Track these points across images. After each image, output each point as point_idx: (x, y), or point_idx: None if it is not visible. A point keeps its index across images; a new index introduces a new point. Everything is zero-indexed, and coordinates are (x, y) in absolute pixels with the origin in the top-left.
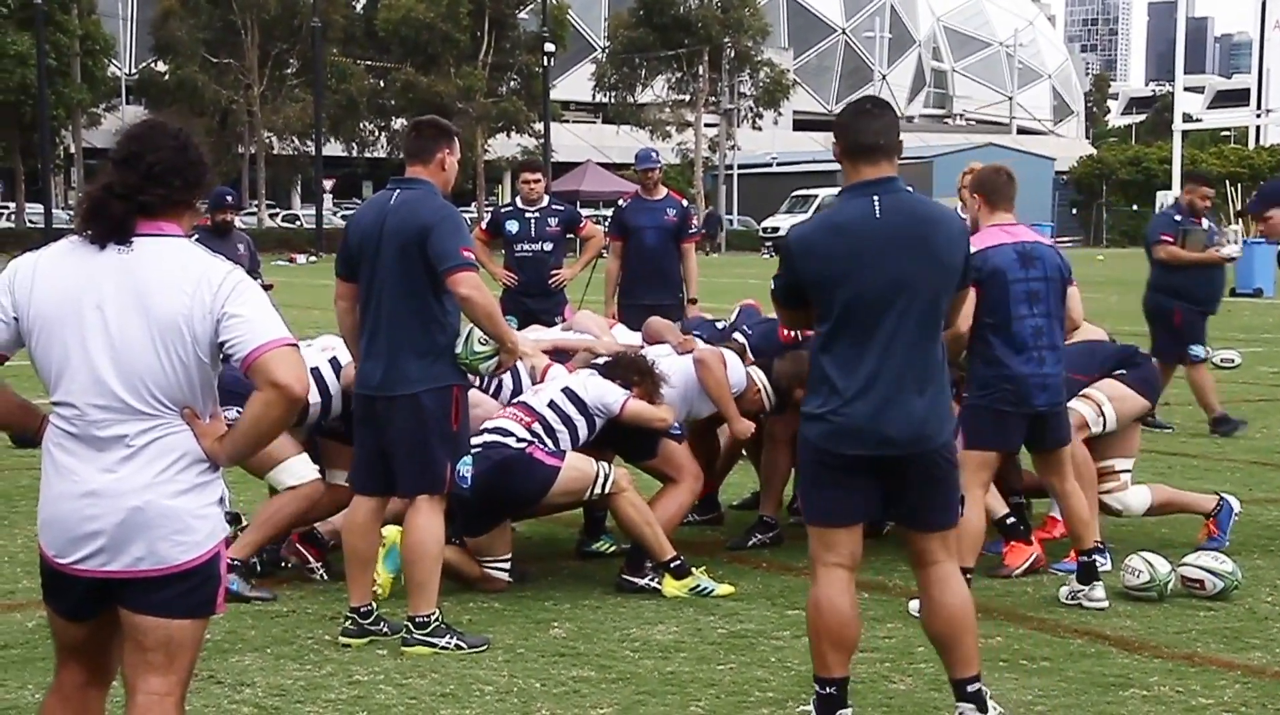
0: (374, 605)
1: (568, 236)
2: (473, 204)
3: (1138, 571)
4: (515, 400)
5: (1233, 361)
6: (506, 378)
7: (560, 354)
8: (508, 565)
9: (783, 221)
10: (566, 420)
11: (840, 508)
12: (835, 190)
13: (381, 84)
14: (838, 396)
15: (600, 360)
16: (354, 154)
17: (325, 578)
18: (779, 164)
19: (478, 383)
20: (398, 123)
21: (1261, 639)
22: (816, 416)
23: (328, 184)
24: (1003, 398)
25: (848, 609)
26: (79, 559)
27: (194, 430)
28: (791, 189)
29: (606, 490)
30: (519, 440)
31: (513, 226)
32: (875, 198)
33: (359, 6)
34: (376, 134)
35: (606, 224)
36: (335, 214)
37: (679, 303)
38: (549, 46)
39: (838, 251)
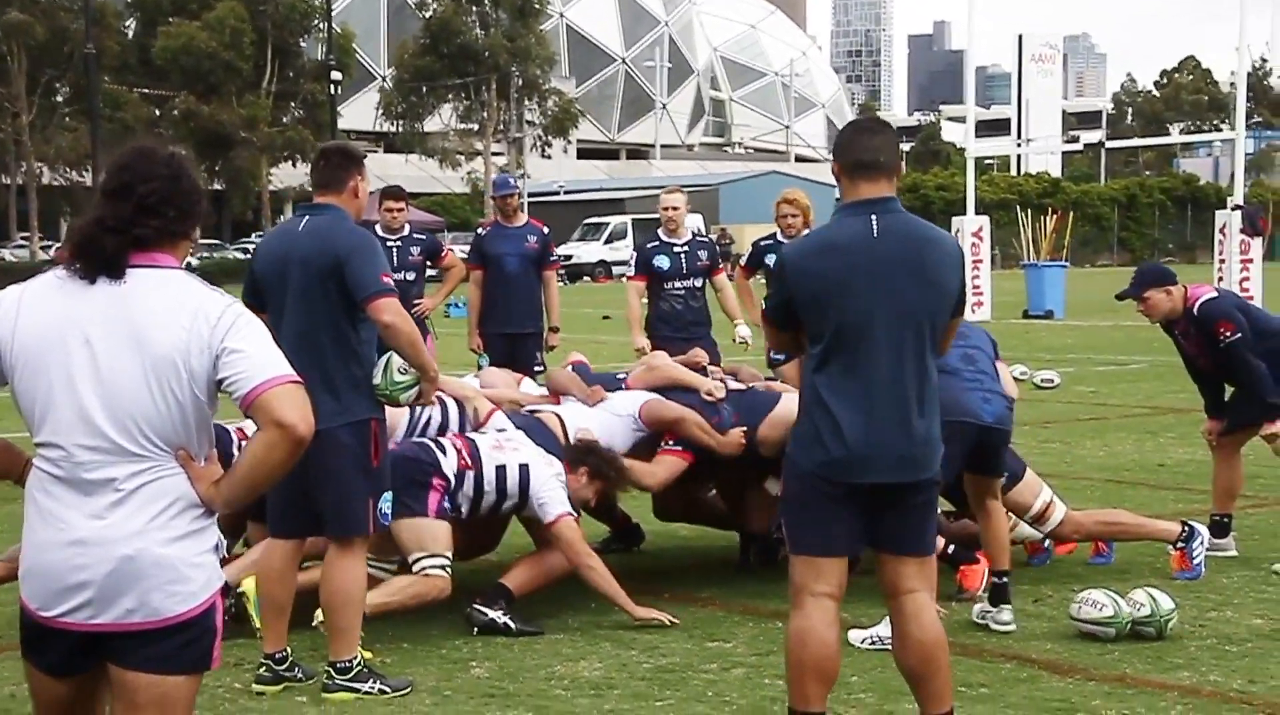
0: (288, 651)
1: (427, 265)
2: (254, 234)
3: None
4: (473, 433)
5: (1053, 381)
6: (435, 412)
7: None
8: (393, 567)
9: (575, 249)
10: (497, 489)
11: (833, 537)
12: (627, 218)
13: (158, 113)
14: (833, 422)
15: (574, 428)
16: None
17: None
18: (566, 192)
19: (406, 417)
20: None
21: (1184, 658)
22: (811, 442)
23: None
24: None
25: (833, 641)
26: (64, 611)
27: (188, 473)
28: (581, 217)
29: (418, 568)
30: (430, 466)
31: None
32: (873, 217)
33: (131, 34)
34: None
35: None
36: None
37: (541, 330)
38: (336, 75)
39: (832, 270)
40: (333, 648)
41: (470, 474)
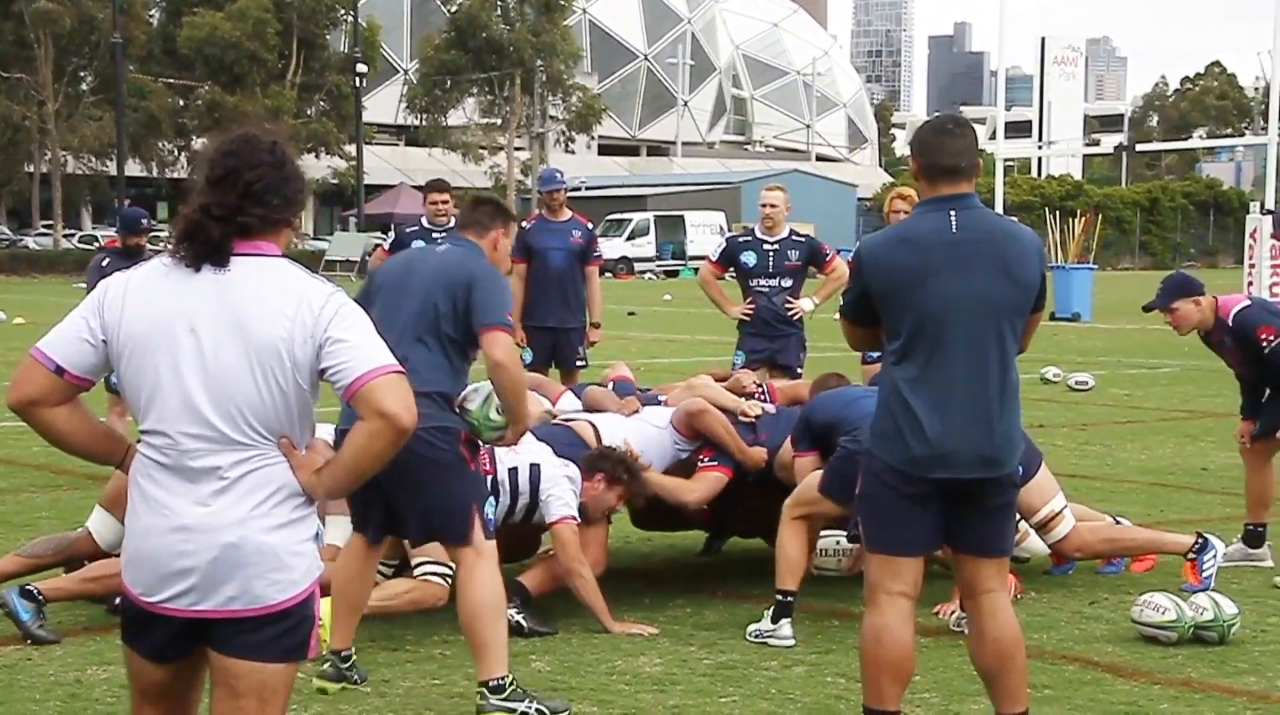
0: (353, 650)
1: None
2: None
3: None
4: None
5: (1087, 384)
6: None
7: None
8: (389, 571)
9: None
10: (511, 491)
11: (910, 535)
12: (649, 215)
13: (183, 103)
14: (913, 419)
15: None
16: (153, 174)
17: None
18: (588, 188)
19: None
20: (199, 143)
21: (1248, 663)
22: (890, 439)
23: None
24: None
25: (909, 640)
26: (168, 597)
27: (290, 462)
28: (603, 212)
29: (419, 573)
30: None
31: (420, 247)
32: (952, 212)
33: (155, 23)
34: (176, 154)
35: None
36: None
37: (583, 326)
38: (361, 67)
39: (907, 264)
40: (480, 666)
41: (489, 479)
